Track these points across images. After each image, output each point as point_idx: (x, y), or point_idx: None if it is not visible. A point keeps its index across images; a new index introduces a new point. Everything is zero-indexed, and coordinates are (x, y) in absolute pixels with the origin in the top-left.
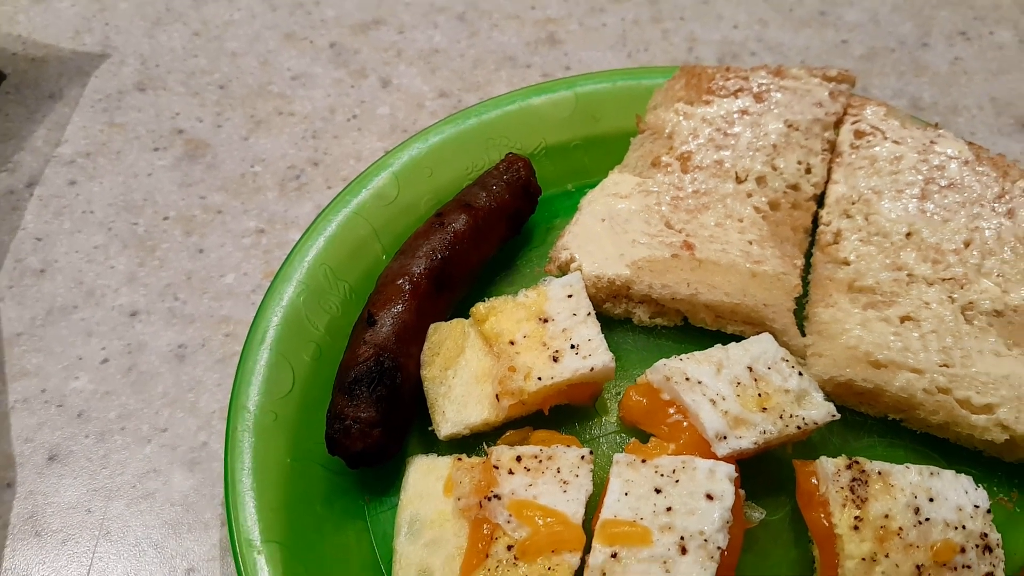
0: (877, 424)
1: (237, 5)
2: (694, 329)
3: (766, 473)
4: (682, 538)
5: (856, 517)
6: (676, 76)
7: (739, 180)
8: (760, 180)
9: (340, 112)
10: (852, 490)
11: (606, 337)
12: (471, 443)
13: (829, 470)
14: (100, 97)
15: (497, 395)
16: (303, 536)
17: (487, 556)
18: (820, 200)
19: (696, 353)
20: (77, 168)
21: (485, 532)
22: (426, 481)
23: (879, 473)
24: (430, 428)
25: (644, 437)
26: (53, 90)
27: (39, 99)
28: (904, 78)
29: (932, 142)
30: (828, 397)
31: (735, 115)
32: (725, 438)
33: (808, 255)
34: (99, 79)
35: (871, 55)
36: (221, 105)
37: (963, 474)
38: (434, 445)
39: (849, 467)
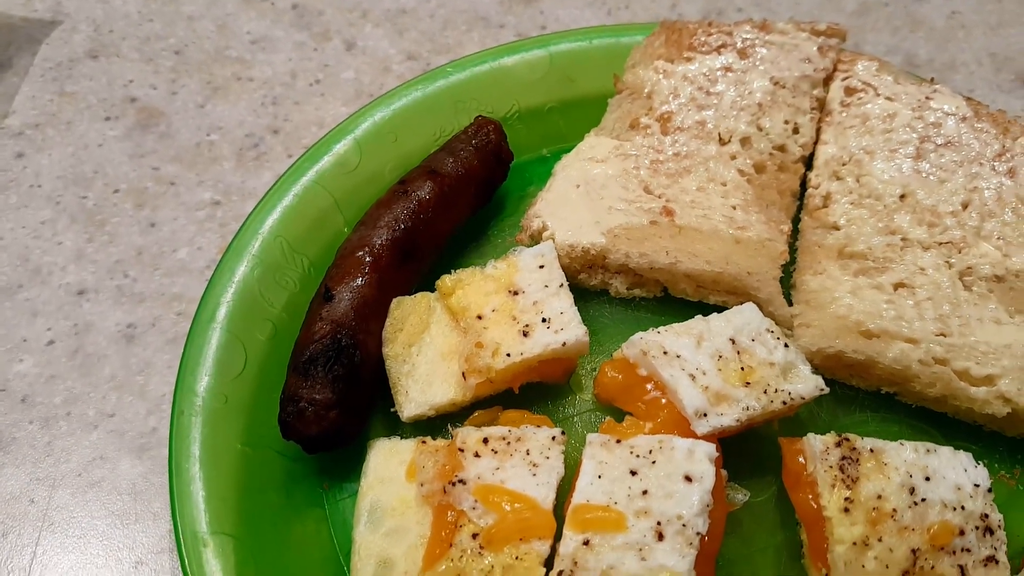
0: (869, 398)
1: None
2: (675, 300)
3: (750, 452)
4: (659, 523)
5: (846, 498)
6: (656, 33)
7: (722, 142)
8: (744, 141)
9: (302, 77)
10: (842, 469)
11: (581, 310)
12: (437, 425)
13: (817, 448)
14: (51, 66)
15: (464, 373)
16: (255, 527)
17: (451, 545)
18: (809, 162)
19: (675, 325)
20: (25, 140)
21: (449, 519)
22: (388, 466)
23: (871, 451)
24: (393, 410)
25: (620, 416)
26: (2, 59)
27: None
28: (899, 33)
29: (928, 98)
30: (816, 370)
31: (718, 73)
32: (705, 415)
33: (796, 220)
34: (50, 47)
35: (863, 10)
36: (176, 72)
37: (962, 451)
38: (397, 428)
39: (839, 444)
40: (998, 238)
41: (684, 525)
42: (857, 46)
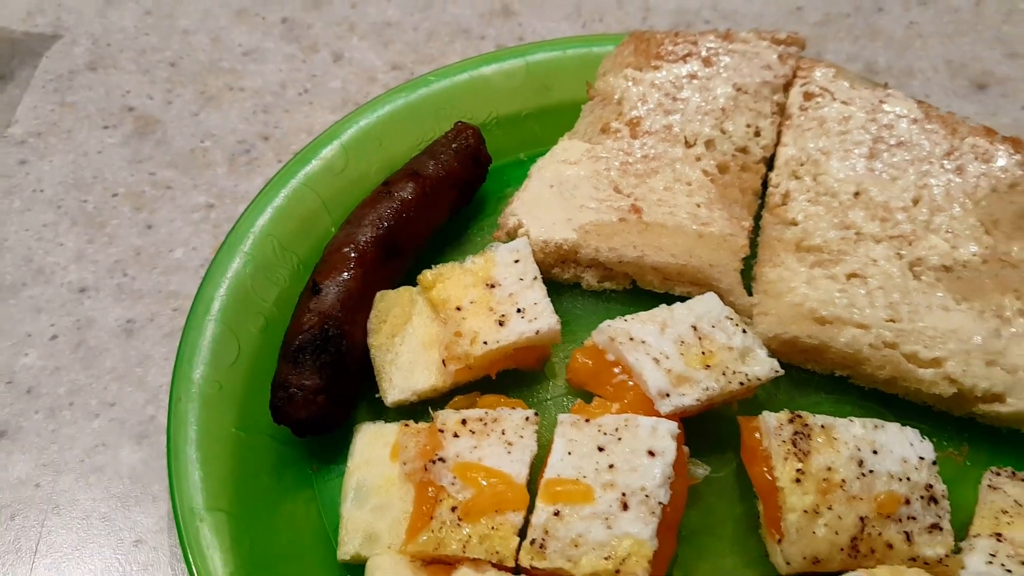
0: (824, 381)
1: None
2: (643, 292)
3: (712, 430)
4: (624, 494)
5: (798, 470)
6: (625, 42)
7: (688, 144)
8: (709, 144)
9: (291, 87)
10: (794, 443)
11: (555, 302)
12: (419, 410)
13: (772, 424)
14: (51, 77)
15: (444, 360)
16: (249, 505)
17: (431, 518)
18: (770, 162)
19: (641, 313)
20: (28, 148)
21: (430, 495)
22: (373, 448)
23: (822, 426)
24: (377, 396)
25: (591, 399)
26: (4, 71)
27: None
28: (859, 43)
29: (881, 102)
30: (773, 354)
31: (684, 80)
32: (668, 396)
33: (758, 217)
34: (50, 59)
35: (826, 20)
36: (172, 82)
37: (909, 427)
38: (382, 413)
39: (791, 421)
40: (946, 231)
41: (647, 496)
42: (819, 54)
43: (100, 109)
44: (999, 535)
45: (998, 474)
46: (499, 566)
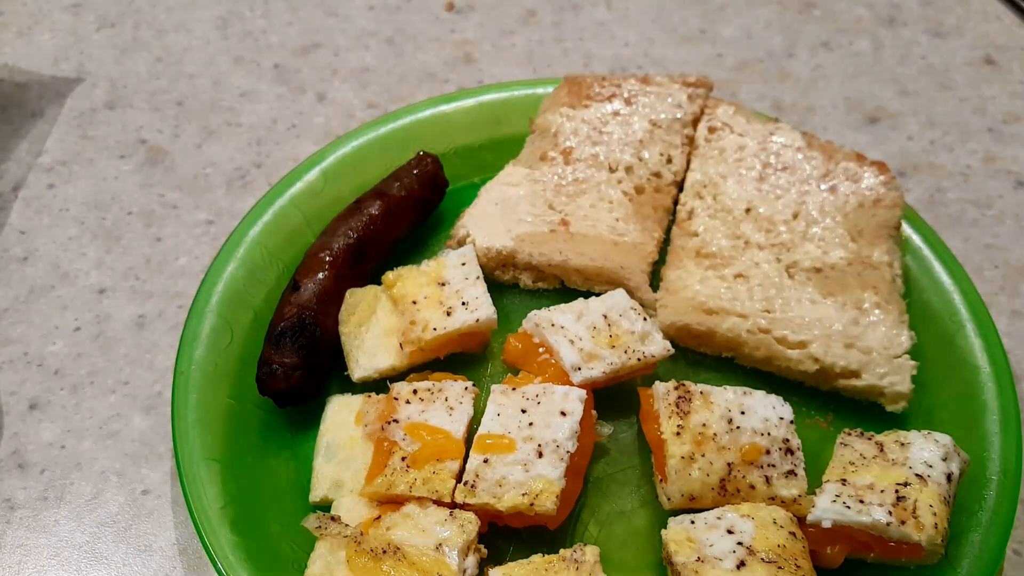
0: (714, 362)
1: (195, 35)
2: (569, 291)
3: (618, 400)
4: (539, 445)
5: (679, 426)
6: (561, 85)
7: (611, 170)
8: (628, 169)
9: (281, 122)
10: (678, 406)
11: (497, 299)
12: (381, 386)
13: (661, 391)
14: (75, 114)
15: (401, 344)
16: (239, 458)
17: (385, 466)
18: (681, 185)
19: (562, 305)
20: (55, 174)
21: (385, 448)
22: (341, 414)
23: (701, 393)
24: (346, 373)
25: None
26: (35, 109)
27: (23, 117)
28: (769, 84)
29: (772, 133)
30: (671, 339)
31: (608, 116)
32: (579, 369)
33: (670, 230)
34: (74, 99)
35: (741, 66)
36: (179, 119)
37: (773, 395)
38: (349, 388)
39: (677, 388)
40: (820, 239)
41: (558, 446)
42: (734, 94)
43: (117, 141)
44: (844, 480)
45: (849, 434)
46: (438, 502)
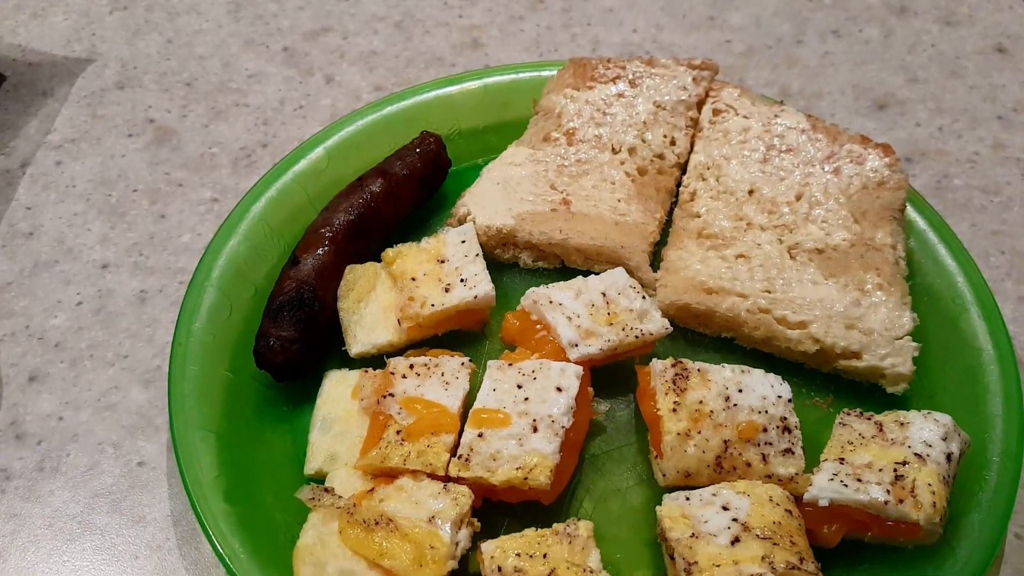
0: (713, 342)
1: (206, 17)
2: (569, 270)
3: (616, 379)
4: (535, 420)
5: (675, 402)
6: (566, 67)
7: (614, 151)
8: (631, 150)
9: (288, 104)
10: (675, 383)
11: (497, 278)
12: (378, 362)
13: (658, 368)
14: (85, 94)
15: (399, 320)
16: (235, 431)
17: (380, 439)
18: (684, 167)
19: (560, 282)
20: (63, 152)
21: (380, 421)
22: (338, 388)
23: (698, 370)
24: (343, 348)
25: None
26: (46, 88)
27: (34, 96)
28: (777, 70)
29: (776, 116)
30: (670, 318)
31: (613, 98)
32: (576, 345)
33: (672, 212)
34: (85, 79)
35: (749, 52)
36: (187, 99)
37: (772, 373)
38: (347, 363)
39: (674, 366)
40: (822, 221)
41: (553, 421)
42: (742, 80)
43: (126, 120)
44: (842, 459)
45: (848, 413)
46: (432, 476)
